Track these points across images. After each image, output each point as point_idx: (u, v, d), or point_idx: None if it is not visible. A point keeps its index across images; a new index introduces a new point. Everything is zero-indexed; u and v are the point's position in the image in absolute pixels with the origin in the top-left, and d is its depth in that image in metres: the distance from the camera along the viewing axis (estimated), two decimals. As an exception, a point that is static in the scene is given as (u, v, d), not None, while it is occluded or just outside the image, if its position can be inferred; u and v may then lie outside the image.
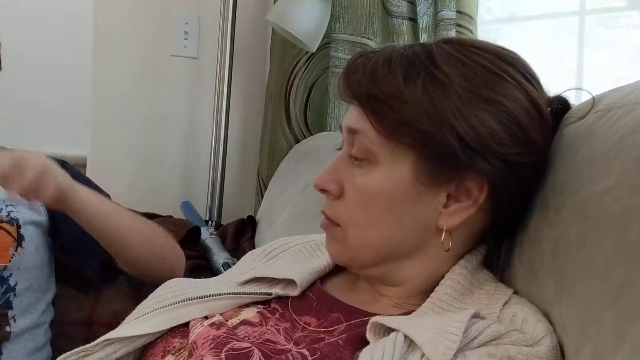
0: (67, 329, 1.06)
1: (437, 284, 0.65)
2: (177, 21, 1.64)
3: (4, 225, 0.94)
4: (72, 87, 2.97)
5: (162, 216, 1.38)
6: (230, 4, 1.55)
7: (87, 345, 0.65)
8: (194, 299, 0.67)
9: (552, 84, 0.69)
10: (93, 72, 1.64)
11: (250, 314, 0.66)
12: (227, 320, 0.65)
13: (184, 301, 0.67)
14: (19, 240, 0.95)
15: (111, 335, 0.65)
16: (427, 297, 0.64)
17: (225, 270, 1.17)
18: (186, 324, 0.66)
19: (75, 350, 0.65)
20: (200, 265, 1.20)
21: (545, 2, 1.42)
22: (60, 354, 1.02)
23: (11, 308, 0.94)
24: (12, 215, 0.96)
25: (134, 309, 1.09)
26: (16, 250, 0.94)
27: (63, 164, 1.04)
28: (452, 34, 1.21)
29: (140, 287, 1.05)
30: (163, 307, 0.67)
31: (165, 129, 1.67)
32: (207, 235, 1.29)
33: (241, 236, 1.35)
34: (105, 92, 1.65)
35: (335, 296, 0.69)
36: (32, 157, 0.82)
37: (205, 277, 1.14)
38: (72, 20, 2.61)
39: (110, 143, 1.67)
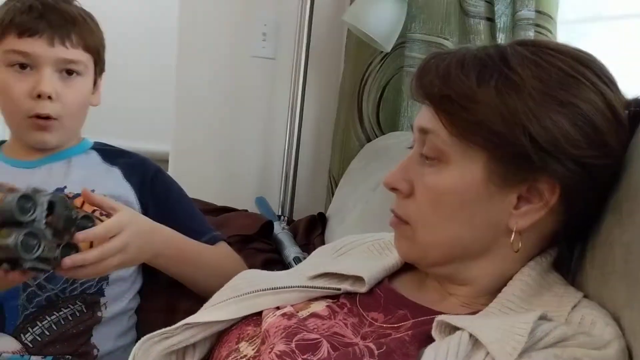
0: (150, 316, 1.12)
1: (506, 285, 0.65)
2: (257, 23, 1.69)
3: (103, 218, 1.00)
4: (157, 87, 3.11)
5: (238, 210, 1.43)
6: (308, 5, 1.58)
7: (168, 328, 0.70)
8: (267, 290, 0.71)
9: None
10: (177, 72, 1.72)
11: (319, 307, 0.69)
12: (298, 312, 0.68)
13: (257, 291, 0.70)
14: None
15: (190, 320, 0.69)
16: (495, 297, 0.65)
17: (296, 264, 1.21)
18: (259, 313, 0.70)
19: (157, 332, 0.70)
20: (272, 259, 1.23)
21: (634, 1, 1.36)
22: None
23: (103, 295, 1.00)
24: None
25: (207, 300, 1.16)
26: None
27: (142, 161, 1.10)
28: (531, 34, 1.19)
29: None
30: (238, 296, 0.70)
31: (243, 127, 1.72)
32: (280, 229, 1.33)
33: (312, 232, 1.38)
34: (188, 91, 1.73)
35: (402, 294, 0.70)
36: (114, 244, 0.85)
37: (276, 270, 1.19)
38: (158, 23, 2.73)
39: (191, 139, 1.74)
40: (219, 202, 1.44)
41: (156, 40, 2.95)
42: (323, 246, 0.87)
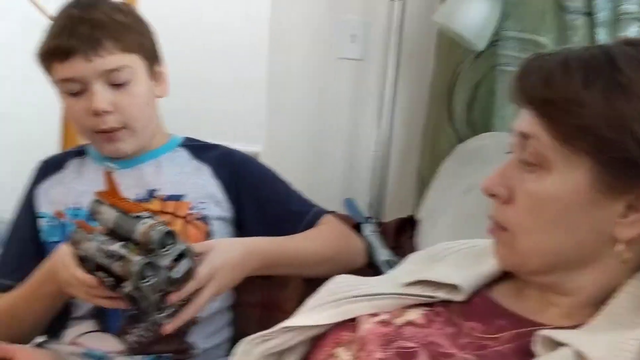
0: (245, 310, 1.15)
1: (610, 297, 0.62)
2: (345, 25, 1.70)
3: (197, 222, 1.04)
4: (248, 88, 3.19)
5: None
6: (395, 6, 1.57)
7: (267, 331, 0.71)
8: (362, 296, 0.71)
9: None
10: (267, 74, 1.75)
11: (415, 315, 0.68)
12: (393, 320, 0.67)
13: (352, 297, 0.71)
14: (209, 236, 1.04)
15: (289, 323, 0.71)
16: (599, 309, 0.62)
17: (386, 266, 1.20)
18: (354, 319, 0.70)
19: (257, 334, 0.72)
20: (363, 261, 1.23)
21: None
22: (239, 333, 1.11)
23: None
24: (203, 212, 1.04)
25: (303, 294, 1.17)
26: None
27: (229, 153, 1.11)
28: (634, 30, 1.13)
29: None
30: (334, 301, 0.71)
31: (331, 128, 1.73)
32: (369, 232, 1.33)
33: (402, 235, 1.37)
34: (278, 92, 1.76)
35: (501, 303, 0.68)
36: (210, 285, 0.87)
37: (366, 273, 1.19)
38: (248, 25, 2.80)
39: (281, 140, 1.78)
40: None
41: (247, 42, 3.02)
42: (417, 252, 0.86)
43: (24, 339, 1.01)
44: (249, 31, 2.80)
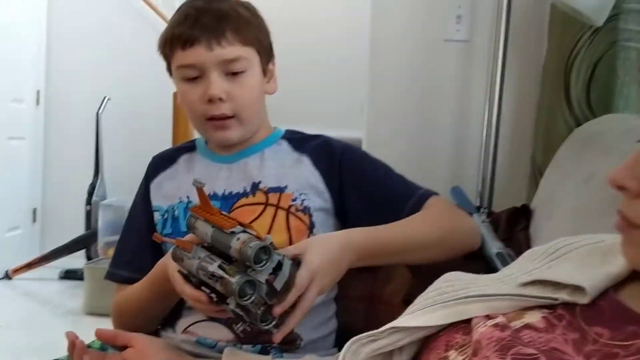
0: (350, 304, 1.14)
1: None
2: (451, 5, 1.63)
3: (299, 214, 1.03)
4: (349, 74, 3.18)
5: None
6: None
7: (375, 331, 0.69)
8: (475, 296, 0.67)
9: None
10: (370, 59, 1.72)
11: (534, 318, 0.64)
12: (510, 322, 0.63)
13: (465, 298, 0.67)
14: (311, 227, 1.04)
15: (396, 323, 0.68)
16: None
17: (498, 260, 1.15)
18: (466, 320, 0.66)
19: (365, 334, 0.70)
20: (473, 254, 1.18)
21: None
22: (344, 326, 1.11)
23: None
24: (305, 204, 1.04)
25: (410, 288, 1.14)
26: (308, 236, 1.02)
27: (328, 142, 1.09)
28: None
29: (417, 267, 1.08)
30: (445, 301, 0.68)
31: (436, 113, 1.68)
32: (479, 222, 1.27)
33: (515, 225, 1.30)
34: (381, 77, 1.73)
35: (631, 307, 0.62)
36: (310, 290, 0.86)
37: (476, 265, 1.14)
38: (350, 8, 2.78)
39: (383, 127, 1.75)
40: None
41: (348, 26, 3.01)
42: (534, 249, 0.80)
43: (144, 329, 1.06)
44: (350, 14, 2.79)
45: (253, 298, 0.78)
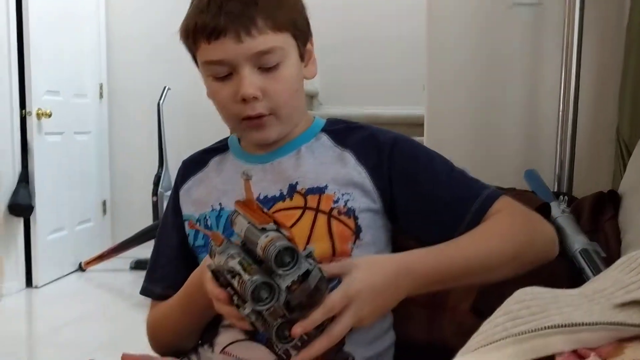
0: (409, 311, 1.02)
1: None
2: (518, -35, 1.46)
3: (342, 217, 0.91)
4: (409, 49, 3.05)
5: (504, 189, 1.24)
6: None
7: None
8: (558, 327, 0.53)
9: None
10: (427, 31, 1.58)
11: (639, 353, 0.50)
12: (606, 360, 0.50)
13: (544, 329, 0.53)
14: (357, 232, 0.91)
15: (456, 364, 0.56)
16: None
17: (583, 258, 0.99)
18: (547, 357, 0.53)
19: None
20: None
21: None
22: (403, 338, 0.99)
23: None
24: (348, 205, 0.92)
25: (477, 295, 1.01)
26: (354, 242, 0.91)
27: (375, 135, 0.97)
28: None
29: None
30: (518, 334, 0.54)
31: (505, 87, 1.52)
32: (559, 212, 1.11)
33: (600, 214, 1.13)
34: (441, 49, 1.58)
35: None
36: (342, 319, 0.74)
37: (558, 264, 0.99)
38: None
39: (446, 104, 1.60)
40: (480, 177, 1.26)
41: (404, 4, 2.86)
42: (630, 254, 0.65)
43: (180, 347, 0.99)
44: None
45: (270, 305, 0.69)
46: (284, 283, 0.69)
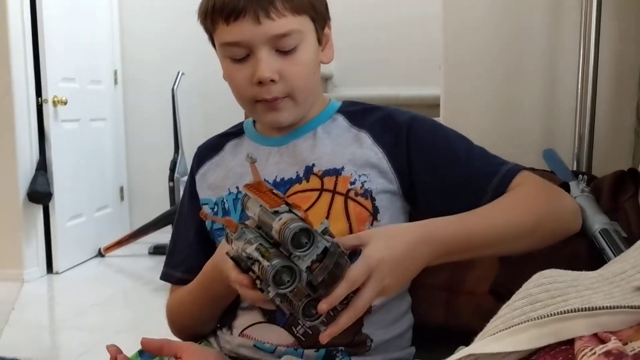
0: (427, 294, 1.01)
1: None
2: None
3: (359, 198, 0.90)
4: (426, 33, 3.01)
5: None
6: None
7: (453, 358, 0.56)
8: (578, 310, 0.52)
9: None
10: (443, 10, 1.55)
11: (660, 337, 0.48)
12: (627, 344, 0.48)
13: (564, 313, 0.52)
14: (374, 213, 0.90)
15: (475, 349, 0.54)
16: None
17: (603, 238, 0.97)
18: (567, 341, 0.52)
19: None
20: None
21: None
22: (421, 321, 0.98)
23: None
24: (365, 186, 0.91)
25: (496, 276, 0.99)
26: (372, 224, 0.90)
27: (391, 115, 0.96)
28: None
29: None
30: (537, 318, 0.53)
31: (522, 66, 1.48)
32: (578, 192, 1.08)
33: (621, 193, 1.10)
34: (457, 27, 1.54)
35: None
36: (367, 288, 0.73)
37: (576, 243, 0.97)
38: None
39: (463, 84, 1.57)
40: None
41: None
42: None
43: (199, 331, 0.99)
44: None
45: (292, 287, 0.68)
46: (304, 264, 0.68)
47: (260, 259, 0.69)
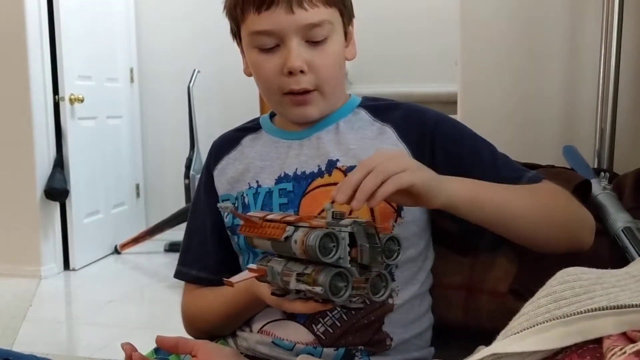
0: (447, 293, 1.00)
1: None
2: None
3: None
4: (443, 28, 2.99)
5: (541, 166, 1.20)
6: None
7: (475, 357, 0.55)
8: (606, 309, 0.51)
9: None
10: (461, 9, 1.53)
11: (691, 337, 0.47)
12: (657, 344, 0.47)
13: (591, 311, 0.51)
14: (399, 209, 0.90)
15: (499, 349, 0.53)
16: None
17: (626, 237, 0.96)
18: (594, 340, 0.51)
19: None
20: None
21: None
22: (441, 321, 0.97)
23: (394, 280, 0.90)
24: None
25: (516, 276, 0.98)
26: (395, 221, 0.89)
27: (418, 112, 0.96)
28: None
29: (524, 252, 0.92)
30: (562, 316, 0.52)
31: (542, 61, 1.46)
32: (600, 189, 1.07)
33: (644, 191, 1.08)
34: (473, 24, 1.53)
35: None
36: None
37: (598, 243, 0.95)
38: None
39: (480, 81, 1.55)
40: (515, 155, 1.22)
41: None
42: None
43: (216, 335, 0.99)
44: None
45: (350, 287, 0.69)
46: (344, 261, 0.69)
47: (308, 287, 0.69)
